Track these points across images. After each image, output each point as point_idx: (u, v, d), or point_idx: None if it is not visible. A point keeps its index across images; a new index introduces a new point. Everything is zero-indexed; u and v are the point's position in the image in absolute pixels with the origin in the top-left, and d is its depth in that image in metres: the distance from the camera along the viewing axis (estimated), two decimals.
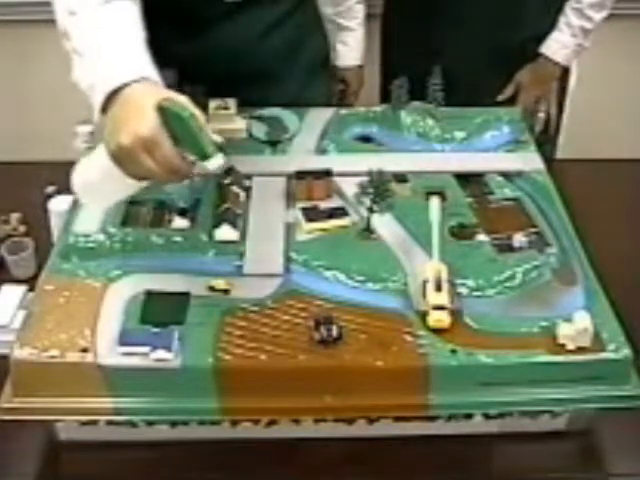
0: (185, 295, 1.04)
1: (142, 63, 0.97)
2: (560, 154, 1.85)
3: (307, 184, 1.20)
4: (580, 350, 0.98)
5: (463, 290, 1.05)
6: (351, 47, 1.68)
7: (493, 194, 1.24)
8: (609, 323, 1.02)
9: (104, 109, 0.95)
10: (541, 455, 1.05)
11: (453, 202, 1.20)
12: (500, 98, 1.69)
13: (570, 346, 0.98)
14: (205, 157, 0.91)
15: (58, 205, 1.30)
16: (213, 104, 1.36)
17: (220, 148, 0.92)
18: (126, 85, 0.93)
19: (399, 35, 1.78)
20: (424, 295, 1.02)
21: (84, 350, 0.97)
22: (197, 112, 0.90)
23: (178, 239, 1.12)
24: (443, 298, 1.01)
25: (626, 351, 0.99)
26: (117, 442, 1.04)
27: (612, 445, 1.07)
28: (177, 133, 0.89)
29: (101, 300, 1.03)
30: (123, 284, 1.06)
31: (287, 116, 1.39)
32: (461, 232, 1.15)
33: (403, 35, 1.75)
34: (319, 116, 1.40)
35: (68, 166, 1.03)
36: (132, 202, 1.18)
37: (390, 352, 0.98)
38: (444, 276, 1.03)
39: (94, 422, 1.01)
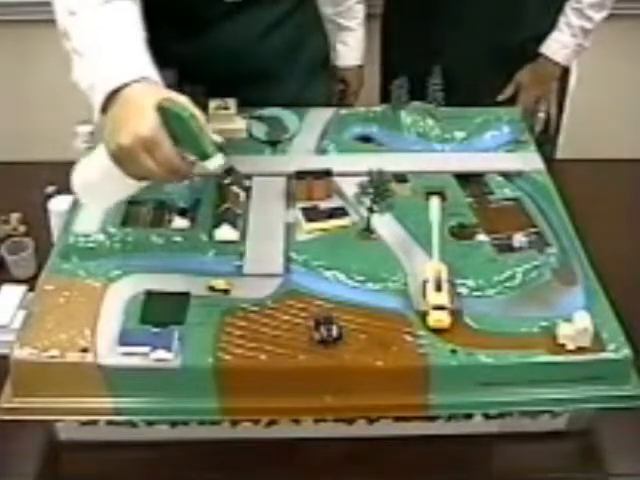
0: (185, 295, 1.04)
1: (142, 63, 0.97)
2: (560, 154, 1.85)
3: (307, 184, 1.20)
4: (580, 350, 0.98)
5: (463, 290, 1.05)
6: (351, 47, 1.68)
7: (493, 194, 1.24)
8: (609, 323, 1.02)
9: (104, 109, 0.95)
10: (541, 455, 1.05)
11: (453, 202, 1.20)
12: (500, 98, 1.69)
13: (570, 346, 0.98)
14: (205, 157, 0.91)
15: (58, 205, 1.30)
16: (213, 104, 1.36)
17: (220, 148, 0.92)
18: (126, 85, 0.93)
19: (399, 35, 1.78)
20: (424, 295, 1.02)
21: (84, 350, 0.97)
22: (197, 112, 0.90)
23: (178, 239, 1.12)
24: (443, 298, 1.01)
25: (626, 351, 0.99)
26: (117, 442, 1.04)
27: (612, 445, 1.07)
28: (177, 133, 0.89)
29: (101, 300, 1.03)
30: (123, 284, 1.06)
31: (287, 116, 1.39)
32: (461, 232, 1.15)
33: (403, 35, 1.75)
34: (319, 116, 1.40)
35: (68, 166, 1.03)
36: (132, 202, 1.18)
37: (390, 352, 0.98)
38: (444, 276, 1.03)
39: (94, 422, 1.01)
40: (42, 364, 0.96)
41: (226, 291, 1.05)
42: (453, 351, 0.98)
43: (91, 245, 1.11)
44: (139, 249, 1.11)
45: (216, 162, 0.92)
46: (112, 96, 0.94)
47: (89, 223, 1.14)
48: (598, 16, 1.60)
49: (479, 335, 1.00)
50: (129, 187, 0.98)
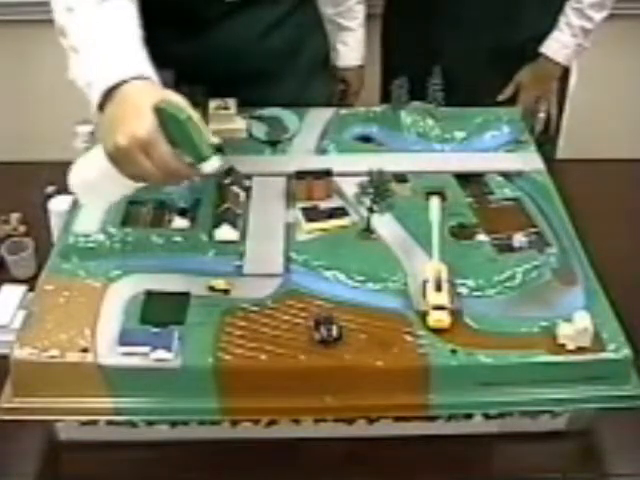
0: (185, 295, 1.04)
1: (139, 61, 0.97)
2: (560, 154, 1.85)
3: (307, 184, 1.20)
4: (580, 350, 0.98)
5: (463, 290, 1.05)
6: (351, 47, 1.68)
7: (493, 194, 1.24)
8: (609, 323, 1.02)
9: (101, 107, 0.95)
10: (541, 455, 1.05)
11: (453, 202, 1.20)
12: (500, 98, 1.69)
13: (570, 346, 0.98)
14: (201, 160, 0.91)
15: (58, 205, 1.30)
16: (213, 104, 1.36)
17: (218, 149, 0.92)
18: (123, 82, 0.92)
19: (399, 35, 1.78)
20: (424, 295, 1.02)
21: (84, 350, 0.97)
22: (194, 114, 0.89)
23: (178, 239, 1.12)
24: (443, 298, 1.01)
25: (626, 351, 0.99)
26: (117, 442, 1.04)
27: (612, 445, 1.07)
28: (174, 135, 0.89)
29: (101, 300, 1.03)
30: (123, 284, 1.06)
31: (287, 116, 1.39)
32: (461, 232, 1.15)
33: (403, 35, 1.75)
34: (319, 116, 1.40)
35: (68, 166, 1.03)
36: (132, 202, 1.18)
37: (390, 352, 0.98)
38: (444, 276, 1.03)
39: (94, 422, 1.01)
40: (42, 364, 0.96)
41: (226, 291, 1.05)
42: (453, 351, 0.98)
43: (91, 245, 1.11)
44: (139, 249, 1.11)
45: (212, 165, 0.91)
46: (109, 94, 0.93)
47: (89, 223, 1.14)
48: (598, 16, 1.60)
49: (479, 335, 1.00)
50: (126, 187, 0.98)
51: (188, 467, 1.03)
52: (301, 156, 1.31)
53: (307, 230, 1.15)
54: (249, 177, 1.25)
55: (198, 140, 0.89)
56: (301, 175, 1.21)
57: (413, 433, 1.05)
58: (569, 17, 1.61)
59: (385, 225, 1.16)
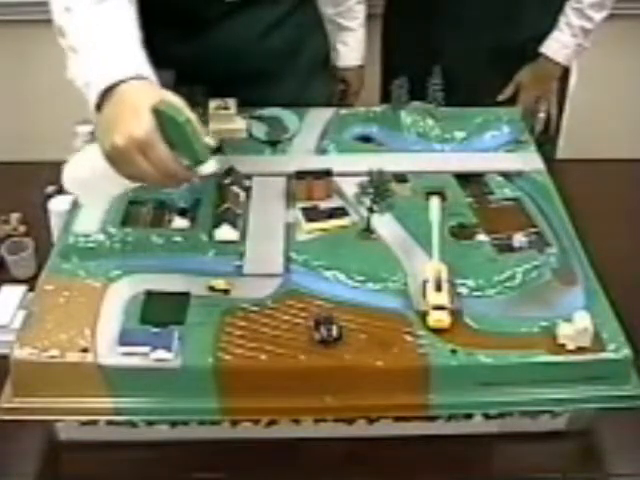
0: (185, 295, 1.04)
1: (138, 61, 0.97)
2: (560, 154, 1.85)
3: (307, 184, 1.20)
4: (580, 350, 0.98)
5: (463, 290, 1.05)
6: (352, 47, 1.68)
7: (493, 194, 1.24)
8: (609, 323, 1.02)
9: (99, 106, 0.95)
10: (541, 455, 1.05)
11: (453, 202, 1.20)
12: (500, 98, 1.69)
13: (570, 346, 0.98)
14: (199, 162, 0.91)
15: (58, 205, 1.30)
16: (213, 104, 1.36)
17: (218, 150, 0.92)
18: (121, 82, 0.92)
19: (399, 35, 1.78)
20: (424, 295, 1.02)
21: (84, 350, 0.97)
22: (192, 116, 0.89)
23: (178, 239, 1.12)
24: (443, 298, 1.01)
25: (626, 351, 0.99)
26: (117, 442, 1.04)
27: (612, 445, 1.07)
28: (172, 137, 0.89)
29: (101, 300, 1.03)
30: (123, 284, 1.06)
31: (287, 116, 1.39)
32: (461, 232, 1.15)
33: (403, 35, 1.75)
34: (319, 116, 1.40)
35: None
36: (132, 202, 1.18)
37: (390, 352, 0.98)
38: (444, 276, 1.03)
39: (94, 422, 1.01)
40: (42, 364, 0.96)
41: (226, 291, 1.05)
42: (453, 351, 0.98)
43: (91, 245, 1.11)
44: (139, 249, 1.11)
45: (210, 167, 0.92)
46: (107, 93, 0.93)
47: (89, 223, 1.14)
48: (598, 16, 1.60)
49: (479, 335, 1.00)
50: (122, 186, 0.97)
51: (188, 467, 1.03)
52: (301, 156, 1.31)
53: (307, 230, 1.15)
54: (249, 177, 1.25)
55: (196, 142, 0.89)
56: (301, 175, 1.21)
57: (413, 433, 1.05)
58: (569, 17, 1.61)
59: (385, 225, 1.16)
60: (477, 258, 1.10)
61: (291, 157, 1.31)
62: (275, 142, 1.34)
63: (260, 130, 1.36)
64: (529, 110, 1.64)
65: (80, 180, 1.02)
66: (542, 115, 1.76)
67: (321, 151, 1.32)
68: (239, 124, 1.36)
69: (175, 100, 0.90)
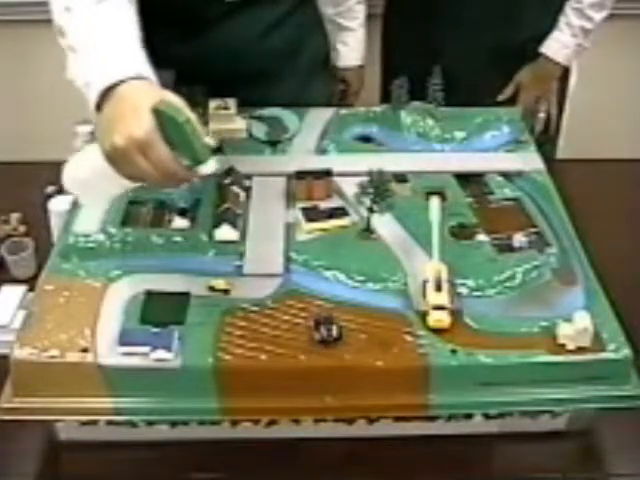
0: (185, 295, 1.04)
1: (138, 61, 0.97)
2: (560, 154, 1.85)
3: (307, 184, 1.20)
4: (580, 350, 0.98)
5: (463, 290, 1.05)
6: (352, 47, 1.68)
7: (493, 194, 1.24)
8: (609, 323, 1.02)
9: (99, 106, 0.95)
10: (541, 455, 1.05)
11: (453, 202, 1.20)
12: (500, 98, 1.69)
13: (570, 346, 0.98)
14: (199, 162, 0.91)
15: (58, 205, 1.30)
16: (213, 104, 1.36)
17: (218, 149, 0.92)
18: (121, 82, 0.92)
19: (399, 35, 1.78)
20: (424, 295, 1.02)
21: (84, 350, 0.97)
22: (192, 116, 0.89)
23: (178, 239, 1.12)
24: (443, 298, 1.01)
25: (626, 351, 0.99)
26: (117, 442, 1.04)
27: (612, 445, 1.07)
28: (172, 136, 0.89)
29: (101, 300, 1.03)
30: (123, 284, 1.06)
31: (287, 116, 1.39)
32: (461, 232, 1.15)
33: (403, 35, 1.75)
34: (319, 116, 1.40)
35: None
36: (132, 202, 1.18)
37: (390, 352, 0.98)
38: (444, 276, 1.03)
39: (94, 422, 1.01)
40: (42, 364, 0.96)
41: (226, 291, 1.05)
42: (453, 351, 0.98)
43: (91, 245, 1.11)
44: (139, 249, 1.11)
45: (209, 167, 0.92)
46: (107, 93, 0.93)
47: (89, 223, 1.14)
48: (598, 16, 1.60)
49: (479, 335, 1.00)
50: (122, 186, 0.97)
51: (188, 467, 1.03)
52: (301, 156, 1.31)
53: (307, 230, 1.15)
54: (249, 177, 1.25)
55: (196, 142, 0.89)
56: (301, 175, 1.21)
57: (413, 433, 1.05)
58: (569, 17, 1.61)
59: (385, 225, 1.16)
60: (477, 258, 1.10)
61: (291, 157, 1.31)
62: (275, 142, 1.34)
63: (260, 130, 1.36)
64: (529, 110, 1.64)
65: (80, 180, 1.02)
66: (542, 115, 1.76)
67: (321, 151, 1.32)
68: (239, 124, 1.36)
69: (175, 100, 0.90)
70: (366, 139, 1.37)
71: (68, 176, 1.02)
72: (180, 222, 1.15)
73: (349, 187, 1.22)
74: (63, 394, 0.97)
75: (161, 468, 1.03)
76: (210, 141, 0.91)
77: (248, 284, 1.06)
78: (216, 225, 1.14)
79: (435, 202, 1.14)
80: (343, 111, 1.43)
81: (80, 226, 1.14)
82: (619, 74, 2.24)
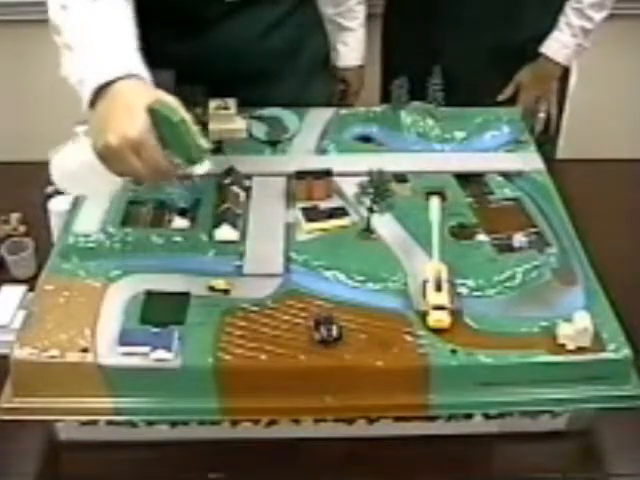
0: (185, 295, 1.04)
1: (133, 60, 0.97)
2: (560, 154, 1.85)
3: (307, 184, 1.20)
4: (580, 350, 0.98)
5: (463, 290, 1.05)
6: (352, 47, 1.68)
7: (493, 194, 1.24)
8: (609, 323, 1.02)
9: (92, 104, 0.94)
10: (541, 455, 1.05)
11: (453, 202, 1.20)
12: (500, 98, 1.69)
13: (570, 346, 0.98)
14: (192, 162, 0.91)
15: (58, 205, 1.30)
16: (213, 104, 1.36)
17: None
18: (116, 80, 0.92)
19: (399, 35, 1.78)
20: (424, 295, 1.02)
21: (84, 350, 0.97)
22: (187, 116, 0.89)
23: (178, 239, 1.12)
24: (443, 298, 1.01)
25: (626, 351, 0.99)
26: (117, 442, 1.04)
27: (612, 445, 1.07)
28: (166, 136, 0.89)
29: (101, 300, 1.03)
30: (123, 284, 1.06)
31: (287, 116, 1.39)
32: (461, 232, 1.15)
33: (403, 35, 1.75)
34: (319, 116, 1.40)
35: None
36: (132, 202, 1.18)
37: (390, 352, 0.98)
38: (444, 276, 1.03)
39: (94, 422, 1.01)
40: (42, 364, 0.96)
41: (226, 291, 1.05)
42: (453, 351, 0.98)
43: (91, 245, 1.11)
44: (139, 249, 1.11)
45: (202, 168, 0.92)
46: (101, 91, 0.93)
47: (89, 223, 1.14)
48: (598, 16, 1.60)
49: (479, 335, 1.00)
50: (111, 180, 0.97)
51: (188, 467, 1.03)
52: (301, 156, 1.31)
53: (307, 230, 1.15)
54: (249, 177, 1.25)
55: (190, 142, 0.89)
56: (301, 175, 1.21)
57: (413, 433, 1.05)
58: (569, 17, 1.61)
59: (385, 225, 1.16)
60: (477, 258, 1.10)
61: (291, 157, 1.31)
62: (275, 142, 1.34)
63: (260, 130, 1.36)
64: (529, 110, 1.64)
65: (69, 173, 1.01)
66: (542, 115, 1.76)
67: (321, 151, 1.32)
68: (239, 124, 1.36)
69: (170, 100, 0.90)
70: (366, 139, 1.37)
71: (57, 168, 1.02)
72: (180, 222, 1.15)
73: (349, 187, 1.22)
74: (63, 394, 0.97)
75: (161, 468, 1.03)
76: (204, 143, 0.91)
77: (248, 284, 1.06)
78: (216, 225, 1.14)
79: (435, 202, 1.14)
80: (343, 111, 1.43)
81: (80, 226, 1.14)
82: (619, 74, 2.24)
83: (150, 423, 1.02)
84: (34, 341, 0.98)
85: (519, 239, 1.13)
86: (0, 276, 1.27)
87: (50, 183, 1.41)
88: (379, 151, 1.33)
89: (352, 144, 1.35)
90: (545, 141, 1.70)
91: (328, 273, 1.08)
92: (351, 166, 1.25)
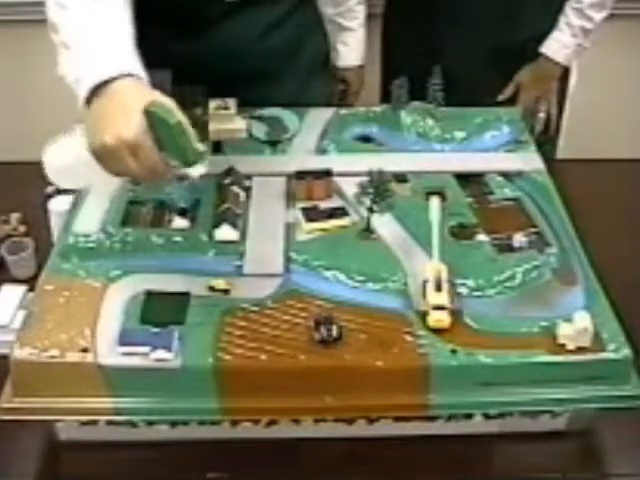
0: (185, 295, 1.04)
1: (130, 60, 0.97)
2: (560, 154, 1.85)
3: (307, 184, 1.20)
4: (580, 350, 0.98)
5: (463, 290, 1.05)
6: (352, 47, 1.68)
7: (493, 194, 1.24)
8: (609, 323, 1.02)
9: (88, 102, 0.94)
10: (541, 455, 1.05)
11: (453, 202, 1.20)
12: (500, 98, 1.69)
13: (570, 346, 0.98)
14: (188, 164, 0.91)
15: (58, 205, 1.30)
16: (213, 104, 1.36)
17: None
18: (113, 80, 0.92)
19: (399, 35, 1.78)
20: (424, 295, 1.02)
21: (84, 350, 0.97)
22: (183, 119, 0.89)
23: (178, 239, 1.12)
24: (443, 298, 1.01)
25: (626, 351, 0.99)
26: (117, 442, 1.04)
27: (612, 445, 1.07)
28: (162, 138, 0.89)
29: (101, 300, 1.03)
30: (123, 284, 1.06)
31: (287, 116, 1.39)
32: (461, 232, 1.15)
33: (403, 35, 1.76)
34: (319, 116, 1.40)
35: None
36: (132, 202, 1.18)
37: (390, 352, 0.98)
38: (444, 276, 1.03)
39: (94, 422, 1.01)
40: (42, 364, 0.96)
41: (226, 291, 1.05)
42: (453, 351, 0.98)
43: (91, 245, 1.11)
44: (139, 249, 1.11)
45: (198, 170, 0.92)
46: (97, 90, 0.93)
47: (89, 223, 1.14)
48: (598, 16, 1.60)
49: (479, 335, 1.00)
50: (103, 176, 0.97)
51: (188, 467, 1.03)
52: (301, 156, 1.31)
53: (307, 230, 1.15)
54: (249, 177, 1.25)
55: (186, 145, 0.89)
56: (301, 175, 1.21)
57: (413, 433, 1.05)
58: (569, 17, 1.61)
59: (385, 225, 1.16)
60: (477, 258, 1.10)
61: (291, 157, 1.31)
62: (275, 142, 1.34)
63: (260, 130, 1.36)
64: (529, 110, 1.64)
65: (62, 167, 1.02)
66: (542, 115, 1.76)
67: (321, 151, 1.32)
68: (239, 124, 1.35)
69: (166, 101, 0.90)
70: (366, 139, 1.37)
71: (50, 163, 1.02)
72: (180, 222, 1.15)
73: (349, 187, 1.22)
74: (63, 394, 0.97)
75: (161, 468, 1.03)
76: (200, 146, 0.91)
77: (248, 284, 1.06)
78: (216, 225, 1.14)
79: (435, 202, 1.14)
80: (343, 111, 1.43)
81: (80, 226, 1.14)
82: (619, 74, 2.24)
83: (150, 423, 1.02)
84: (34, 341, 0.98)
85: (519, 239, 1.13)
86: (0, 276, 1.27)
87: (50, 183, 1.41)
88: (379, 151, 1.33)
89: (352, 144, 1.35)
90: (545, 141, 1.70)
91: (328, 273, 1.08)
92: (351, 166, 1.25)
